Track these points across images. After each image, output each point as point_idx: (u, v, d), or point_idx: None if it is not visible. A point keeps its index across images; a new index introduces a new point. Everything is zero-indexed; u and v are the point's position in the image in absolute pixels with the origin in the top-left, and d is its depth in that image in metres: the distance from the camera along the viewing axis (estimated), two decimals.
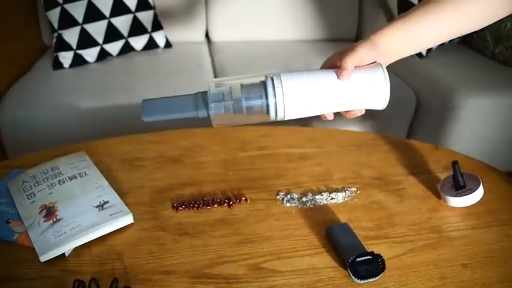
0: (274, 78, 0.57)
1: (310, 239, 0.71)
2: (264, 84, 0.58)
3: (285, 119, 0.59)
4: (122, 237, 0.69)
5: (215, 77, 1.66)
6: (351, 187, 0.83)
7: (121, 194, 0.76)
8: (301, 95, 0.58)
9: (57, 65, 1.63)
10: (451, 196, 0.79)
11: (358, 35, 2.15)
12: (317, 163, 0.90)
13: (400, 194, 0.83)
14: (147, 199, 0.78)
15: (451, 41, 1.98)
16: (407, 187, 0.85)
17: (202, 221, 0.74)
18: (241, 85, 0.58)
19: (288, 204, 0.78)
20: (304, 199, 0.79)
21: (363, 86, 0.61)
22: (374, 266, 0.63)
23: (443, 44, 1.94)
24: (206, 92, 0.58)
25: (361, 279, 0.62)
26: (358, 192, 0.82)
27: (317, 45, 1.99)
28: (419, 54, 1.88)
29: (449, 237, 0.73)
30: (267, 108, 0.57)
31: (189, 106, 0.59)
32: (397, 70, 1.76)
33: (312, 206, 0.78)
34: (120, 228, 0.70)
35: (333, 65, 0.63)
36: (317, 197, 0.79)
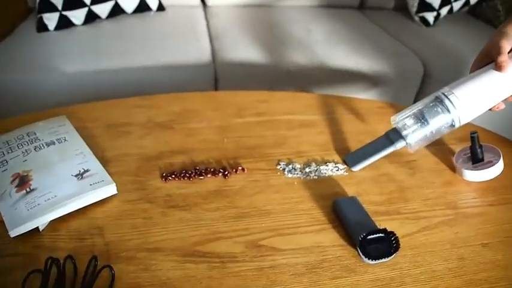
0: (446, 93, 0.63)
1: (315, 214, 0.64)
2: (440, 102, 0.64)
3: (465, 122, 0.65)
4: (103, 210, 0.62)
5: (210, 42, 1.56)
6: None
7: (104, 162, 0.69)
8: (475, 98, 0.64)
9: (42, 27, 1.52)
10: (468, 169, 0.72)
11: (361, 3, 2.04)
12: (320, 131, 0.82)
13: (412, 166, 0.76)
14: (133, 168, 0.70)
15: (459, 10, 1.88)
16: (419, 159, 0.78)
17: (194, 192, 0.66)
18: (421, 110, 0.64)
19: (290, 175, 0.70)
20: (307, 170, 0.71)
21: None
22: (386, 245, 0.57)
23: (451, 12, 1.85)
24: (393, 128, 0.67)
25: (372, 260, 0.56)
26: None
27: (316, 12, 1.89)
28: (426, 23, 1.78)
29: (466, 214, 0.66)
30: (452, 121, 0.64)
31: (385, 144, 0.68)
32: (403, 39, 1.67)
33: (316, 177, 0.71)
34: (102, 199, 0.63)
35: (481, 66, 0.67)
36: (321, 167, 0.72)
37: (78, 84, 1.32)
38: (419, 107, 0.65)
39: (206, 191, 0.66)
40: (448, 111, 0.63)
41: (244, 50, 1.48)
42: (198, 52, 1.45)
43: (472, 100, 0.63)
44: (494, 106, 0.66)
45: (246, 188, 0.68)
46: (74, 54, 1.39)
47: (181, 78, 1.37)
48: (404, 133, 0.65)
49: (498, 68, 0.62)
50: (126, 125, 0.80)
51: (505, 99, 0.66)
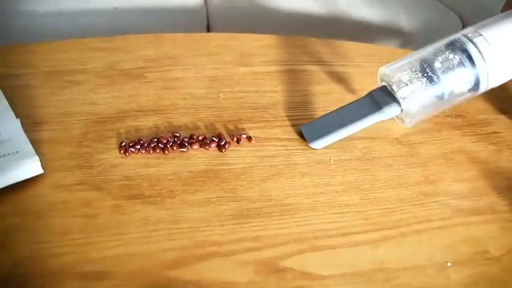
0: (469, 35, 0.44)
1: (368, 212, 0.39)
2: (460, 48, 0.44)
3: (495, 84, 0.46)
4: (15, 203, 0.37)
5: None
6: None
7: (33, 125, 0.44)
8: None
9: None
10: None
11: None
12: (359, 88, 0.57)
13: (495, 141, 0.52)
14: (77, 133, 0.45)
15: None
16: (502, 130, 0.54)
17: (169, 173, 0.41)
18: (427, 59, 0.44)
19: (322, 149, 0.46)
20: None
21: None
22: None
23: None
24: (382, 87, 0.46)
25: None
26: (430, 134, 0.51)
27: None
28: None
29: None
30: (476, 80, 0.44)
31: (367, 109, 0.46)
32: None
33: (360, 153, 0.46)
34: (15, 183, 0.38)
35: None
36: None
37: (30, 29, 1.06)
38: (424, 55, 0.44)
39: (190, 172, 0.42)
40: (472, 62, 0.43)
41: None
42: None
43: (510, 46, 0.43)
44: None
45: (255, 168, 0.43)
46: None
47: (164, 26, 1.12)
48: (398, 94, 0.44)
49: None
50: (76, 72, 0.55)
51: None
